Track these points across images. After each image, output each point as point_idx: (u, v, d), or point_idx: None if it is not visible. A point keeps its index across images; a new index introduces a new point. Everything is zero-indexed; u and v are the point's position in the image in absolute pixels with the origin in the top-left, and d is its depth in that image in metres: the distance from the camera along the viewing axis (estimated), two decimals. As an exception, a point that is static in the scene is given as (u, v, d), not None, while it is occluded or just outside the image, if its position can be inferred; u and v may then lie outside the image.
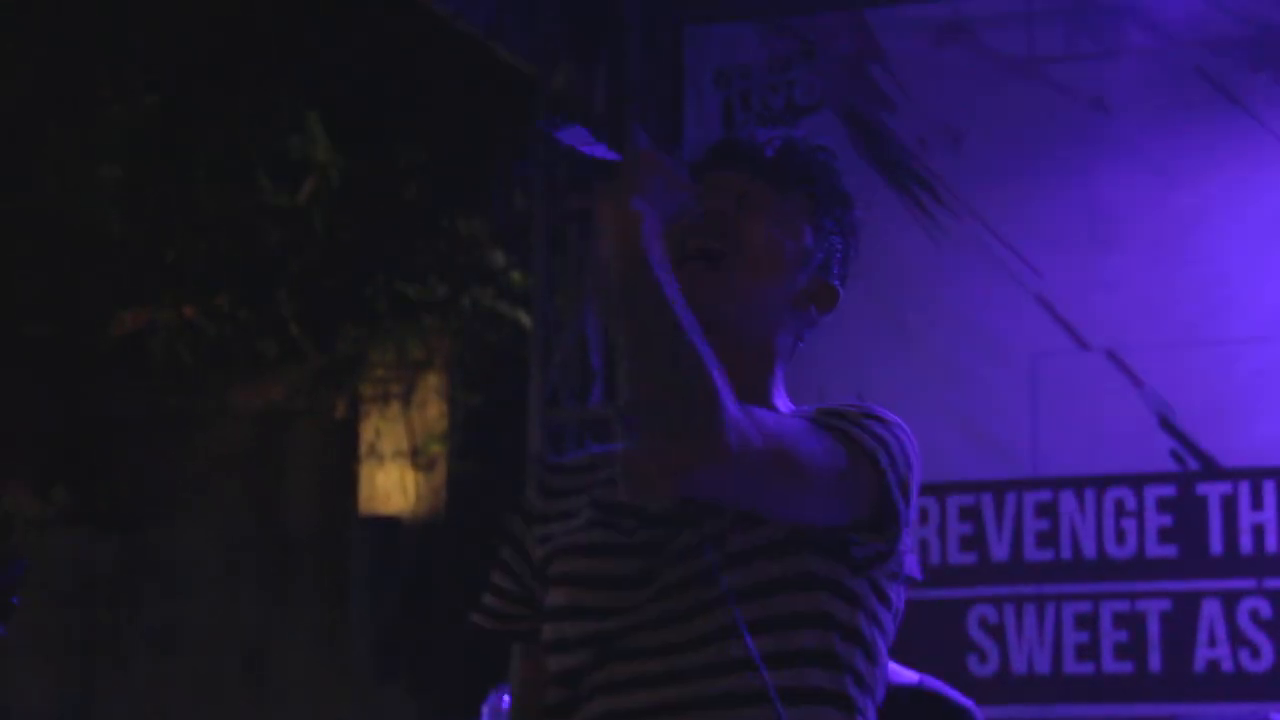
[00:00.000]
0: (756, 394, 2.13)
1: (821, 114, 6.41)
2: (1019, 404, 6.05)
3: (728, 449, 1.86)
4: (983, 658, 5.90)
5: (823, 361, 6.01)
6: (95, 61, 7.18)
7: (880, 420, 2.11)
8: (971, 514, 6.04)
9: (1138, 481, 5.90)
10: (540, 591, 2.21)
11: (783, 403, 2.21)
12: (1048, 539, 5.94)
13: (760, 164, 2.17)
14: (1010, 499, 6.00)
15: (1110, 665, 5.83)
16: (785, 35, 6.50)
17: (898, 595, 2.16)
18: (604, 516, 2.15)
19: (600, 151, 2.00)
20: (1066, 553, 5.95)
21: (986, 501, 6.04)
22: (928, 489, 5.73)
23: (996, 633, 5.93)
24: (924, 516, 6.01)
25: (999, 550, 6.01)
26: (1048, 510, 5.96)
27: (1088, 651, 5.84)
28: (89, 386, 9.04)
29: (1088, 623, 5.87)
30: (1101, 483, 5.94)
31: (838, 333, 6.07)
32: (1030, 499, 5.96)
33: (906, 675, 3.78)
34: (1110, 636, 5.84)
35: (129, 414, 9.38)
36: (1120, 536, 5.88)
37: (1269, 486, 5.89)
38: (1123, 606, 5.83)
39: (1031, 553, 5.97)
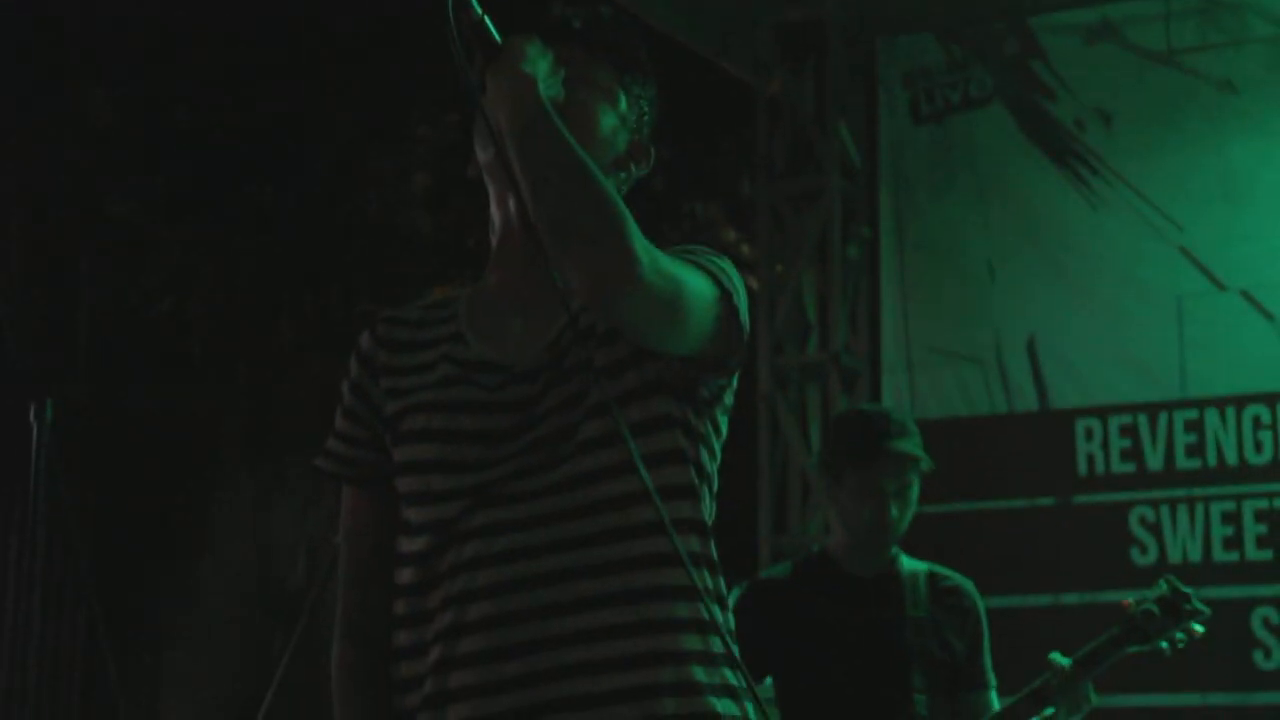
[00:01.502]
0: None
1: (993, 106, 6.35)
2: (1168, 338, 5.96)
3: (640, 264, 1.77)
4: (1143, 550, 5.84)
5: (998, 310, 6.19)
6: (406, 91, 7.47)
7: (721, 258, 1.99)
8: (1130, 431, 5.95)
9: (1271, 399, 5.79)
10: (386, 439, 2.04)
11: None
12: (1195, 450, 5.84)
13: (573, 35, 2.02)
14: (1163, 417, 5.91)
15: (1252, 553, 5.74)
16: (960, 41, 6.44)
17: (725, 425, 2.05)
18: (463, 373, 1.99)
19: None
20: (1212, 460, 5.84)
21: (1142, 420, 5.95)
22: (1093, 411, 6.00)
23: (1154, 529, 5.87)
24: (1089, 434, 6.00)
25: (1154, 460, 5.92)
26: (1195, 426, 5.86)
27: (1232, 542, 5.75)
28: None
29: (1232, 519, 5.77)
30: (1240, 401, 5.83)
31: (1011, 285, 6.38)
32: (1180, 417, 5.87)
33: (918, 564, 3.65)
34: (1251, 530, 5.75)
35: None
36: (1258, 446, 5.78)
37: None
38: (1262, 504, 5.74)
39: (1182, 461, 5.87)
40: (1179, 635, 3.37)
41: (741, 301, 1.95)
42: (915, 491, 3.52)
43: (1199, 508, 5.82)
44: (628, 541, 1.89)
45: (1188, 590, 3.40)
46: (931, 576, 3.60)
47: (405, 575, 1.97)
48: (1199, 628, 3.37)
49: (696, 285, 1.87)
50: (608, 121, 2.02)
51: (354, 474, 2.08)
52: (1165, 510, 5.87)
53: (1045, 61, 6.33)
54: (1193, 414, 5.90)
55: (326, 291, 7.74)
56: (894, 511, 3.45)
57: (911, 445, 3.48)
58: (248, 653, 7.97)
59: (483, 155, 2.01)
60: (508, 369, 1.96)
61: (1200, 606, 3.39)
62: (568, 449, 1.90)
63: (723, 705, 1.89)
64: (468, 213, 7.19)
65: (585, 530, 1.89)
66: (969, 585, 3.64)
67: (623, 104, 2.04)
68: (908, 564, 3.60)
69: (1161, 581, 3.43)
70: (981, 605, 3.64)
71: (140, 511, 8.58)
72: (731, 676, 1.92)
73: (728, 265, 1.97)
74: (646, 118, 2.07)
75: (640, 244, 1.78)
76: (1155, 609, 3.36)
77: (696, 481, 1.96)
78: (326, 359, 7.93)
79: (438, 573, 1.93)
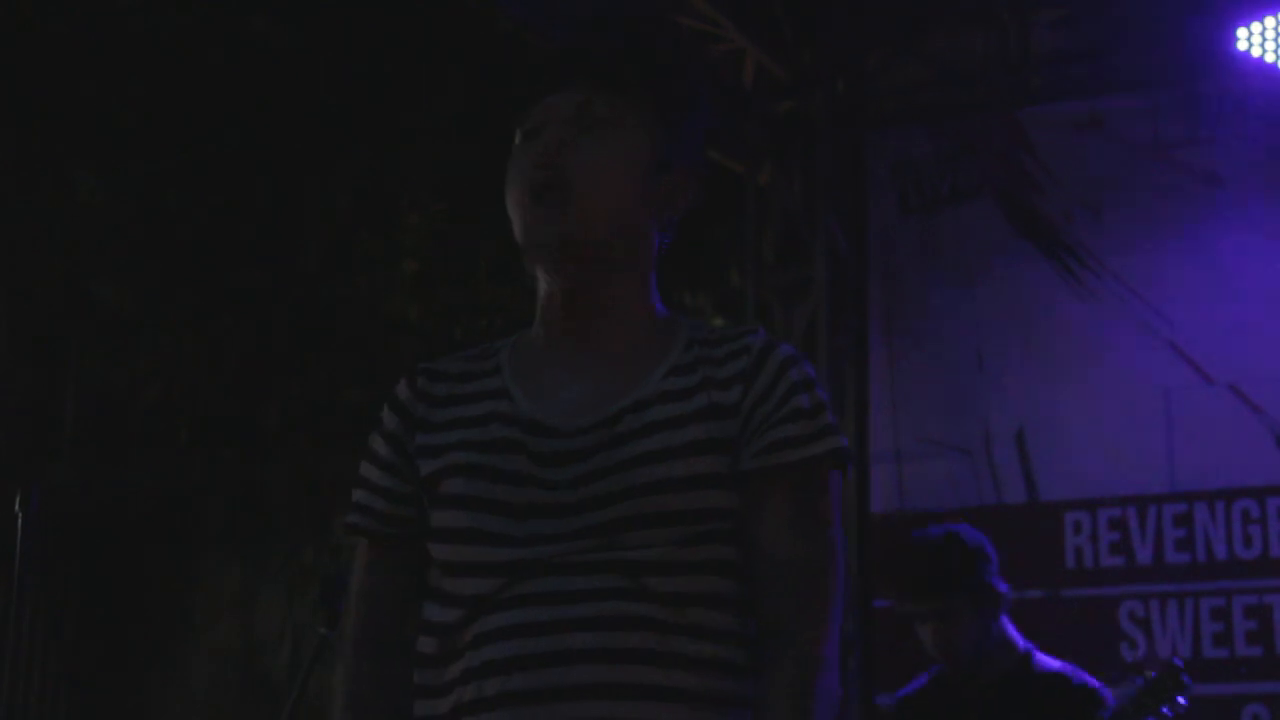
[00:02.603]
0: (632, 313, 1.88)
1: (981, 197, 6.37)
2: (1157, 431, 5.93)
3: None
4: (1132, 645, 5.80)
5: (985, 401, 6.19)
6: (396, 178, 7.50)
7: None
8: (1119, 524, 5.95)
9: (1261, 494, 5.76)
10: (424, 499, 1.90)
11: (659, 307, 1.93)
12: (1184, 544, 5.83)
13: (601, 73, 1.85)
14: (1152, 510, 5.90)
15: (1242, 650, 5.69)
16: (949, 134, 6.49)
17: None
18: (512, 435, 1.85)
19: None
20: (1202, 556, 5.81)
21: (1131, 513, 5.94)
22: (1082, 504, 5.99)
23: (1144, 625, 5.81)
24: (1077, 527, 6.00)
25: (1143, 554, 5.90)
26: (1184, 520, 5.85)
27: (1222, 639, 5.71)
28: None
29: (1221, 615, 5.74)
30: (1229, 495, 5.81)
31: (1000, 376, 6.36)
32: (1169, 510, 5.86)
33: (1051, 663, 3.97)
34: (1241, 626, 5.70)
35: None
36: (1248, 541, 5.75)
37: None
38: (1252, 600, 5.70)
39: (1171, 555, 5.85)
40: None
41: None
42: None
43: (1188, 603, 5.78)
44: (675, 637, 1.76)
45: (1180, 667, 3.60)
46: (1060, 677, 3.81)
47: (428, 645, 1.84)
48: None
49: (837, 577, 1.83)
50: (624, 169, 1.83)
51: (388, 531, 1.92)
52: (1155, 605, 5.84)
53: (1033, 154, 6.36)
54: (1182, 508, 5.88)
55: (313, 376, 7.75)
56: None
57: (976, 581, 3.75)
58: None
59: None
60: (558, 433, 1.82)
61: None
62: (614, 529, 1.77)
63: None
64: (455, 301, 7.23)
65: (626, 612, 1.75)
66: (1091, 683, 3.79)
67: (659, 138, 1.86)
68: (1040, 663, 3.78)
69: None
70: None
71: (124, 597, 8.56)
72: None
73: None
74: (695, 142, 1.91)
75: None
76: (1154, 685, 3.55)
77: (737, 558, 1.83)
78: (312, 444, 7.92)
79: (460, 644, 1.81)
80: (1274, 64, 5.82)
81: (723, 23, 6.15)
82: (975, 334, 6.30)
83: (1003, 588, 3.91)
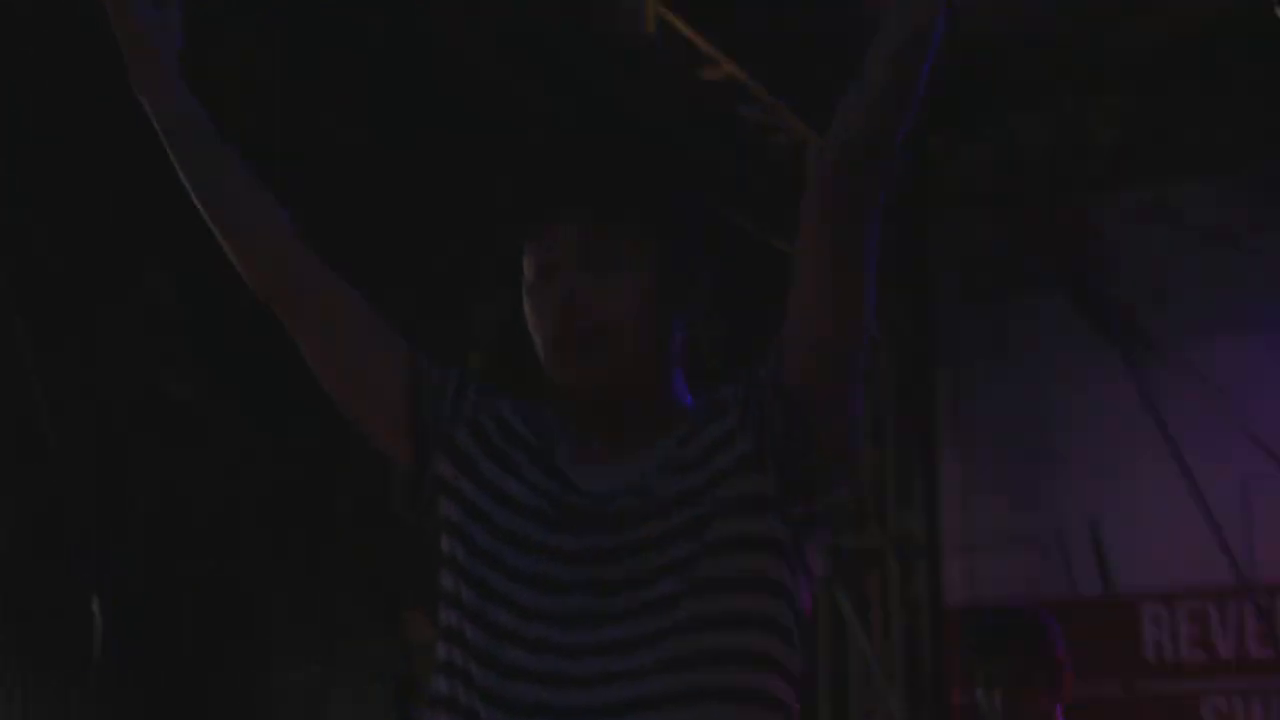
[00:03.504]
0: (668, 405, 1.88)
1: (1046, 285, 6.34)
2: (1235, 521, 5.85)
3: (877, 205, 1.79)
4: None
5: (1060, 491, 6.24)
6: (465, 268, 7.53)
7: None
8: (1199, 616, 6.00)
9: None
10: (437, 449, 1.90)
11: (686, 401, 1.91)
12: (1267, 637, 5.82)
13: (600, 210, 1.87)
14: (1232, 603, 5.94)
15: None
16: (1013, 219, 6.46)
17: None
18: (554, 485, 1.84)
19: None
20: None
21: (1211, 607, 5.99)
22: (1160, 596, 5.99)
23: None
24: (1157, 619, 6.08)
25: (1225, 648, 5.98)
26: (1266, 613, 5.82)
27: None
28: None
29: None
30: None
31: (1073, 466, 6.37)
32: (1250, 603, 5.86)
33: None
34: None
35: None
36: None
37: None
38: None
39: (1255, 650, 5.91)
40: None
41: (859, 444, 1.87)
42: None
43: (1274, 699, 5.83)
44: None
45: None
46: None
47: (441, 653, 1.82)
48: None
49: (870, 316, 1.81)
50: (654, 316, 1.85)
51: (414, 370, 1.91)
52: (1239, 702, 5.87)
53: (1099, 239, 6.40)
54: (1265, 601, 5.87)
55: (380, 468, 7.77)
56: None
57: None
58: None
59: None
60: (587, 495, 1.80)
61: None
62: (639, 599, 1.72)
63: None
64: (518, 391, 7.27)
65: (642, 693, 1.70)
66: None
67: (669, 266, 1.86)
68: None
69: None
70: None
71: (192, 695, 8.55)
72: None
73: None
74: (696, 256, 1.90)
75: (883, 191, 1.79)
76: None
77: (776, 651, 1.76)
78: (386, 536, 7.94)
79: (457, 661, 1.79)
80: None
81: (782, 111, 6.24)
82: (1045, 423, 6.34)
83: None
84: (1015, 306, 6.49)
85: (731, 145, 6.10)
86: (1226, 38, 6.00)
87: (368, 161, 7.69)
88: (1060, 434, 6.32)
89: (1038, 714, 3.73)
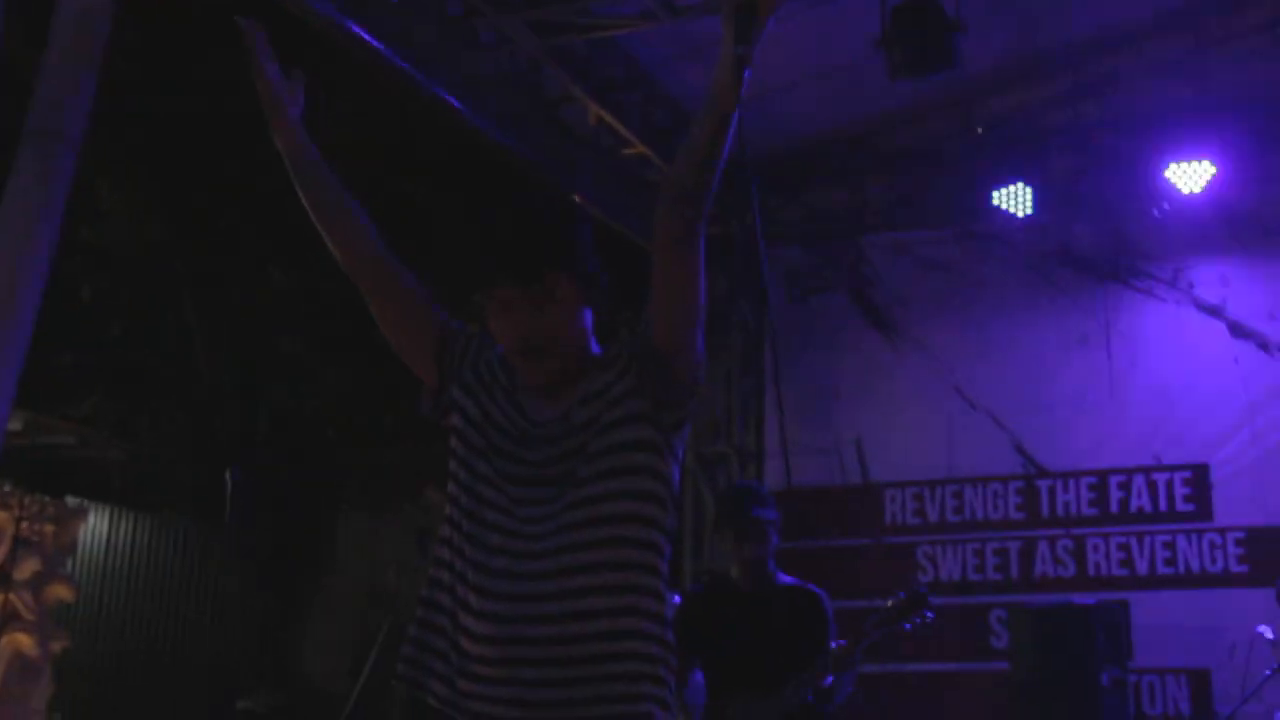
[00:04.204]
0: (585, 360, 1.81)
1: (837, 291, 6.58)
2: (940, 439, 6.02)
3: (699, 223, 1.68)
4: (924, 572, 5.89)
5: (838, 420, 6.24)
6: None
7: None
8: (917, 496, 6.03)
9: (1005, 480, 5.89)
10: (452, 380, 1.84)
11: (595, 350, 1.84)
12: (956, 509, 5.97)
13: (522, 275, 1.74)
14: (938, 489, 5.99)
15: (991, 575, 5.78)
16: (818, 251, 6.66)
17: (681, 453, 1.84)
18: (516, 413, 1.79)
19: None
20: (967, 514, 5.93)
21: (925, 491, 6.03)
22: (895, 484, 5.99)
23: (932, 560, 5.91)
24: (893, 498, 6.01)
25: (933, 513, 5.96)
26: (957, 494, 5.98)
27: (979, 568, 5.81)
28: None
29: (978, 554, 5.82)
30: (985, 480, 5.92)
31: (847, 410, 6.49)
32: (946, 490, 6.02)
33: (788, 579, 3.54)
34: (991, 562, 5.81)
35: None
36: (996, 507, 5.85)
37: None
38: (996, 544, 5.80)
39: (950, 516, 5.96)
40: (917, 620, 3.45)
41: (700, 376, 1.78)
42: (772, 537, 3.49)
43: (960, 546, 6.01)
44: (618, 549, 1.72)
45: (925, 592, 3.48)
46: (793, 589, 3.51)
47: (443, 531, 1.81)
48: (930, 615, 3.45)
49: (701, 295, 1.71)
50: (580, 319, 1.80)
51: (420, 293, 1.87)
52: (939, 549, 6.07)
53: (870, 265, 6.58)
54: (956, 487, 6.10)
55: (415, 386, 7.89)
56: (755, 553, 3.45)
57: (765, 512, 3.46)
58: (359, 626, 8.11)
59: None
60: (534, 421, 1.79)
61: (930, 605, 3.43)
62: (569, 484, 1.72)
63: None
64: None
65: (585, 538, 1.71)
66: (820, 593, 3.52)
67: (579, 285, 1.78)
68: (782, 580, 3.52)
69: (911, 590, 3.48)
70: (829, 609, 3.51)
71: (294, 538, 8.79)
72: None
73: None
74: (595, 267, 1.81)
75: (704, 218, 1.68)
76: (904, 602, 3.45)
77: (663, 491, 1.75)
78: (416, 438, 8.01)
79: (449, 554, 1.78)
80: (1013, 214, 6.06)
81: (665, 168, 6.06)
82: (831, 378, 6.50)
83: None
84: (816, 305, 6.62)
85: (619, 179, 5.95)
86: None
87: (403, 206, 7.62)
88: (840, 383, 6.45)
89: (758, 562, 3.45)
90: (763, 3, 1.54)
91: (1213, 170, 5.71)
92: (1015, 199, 6.07)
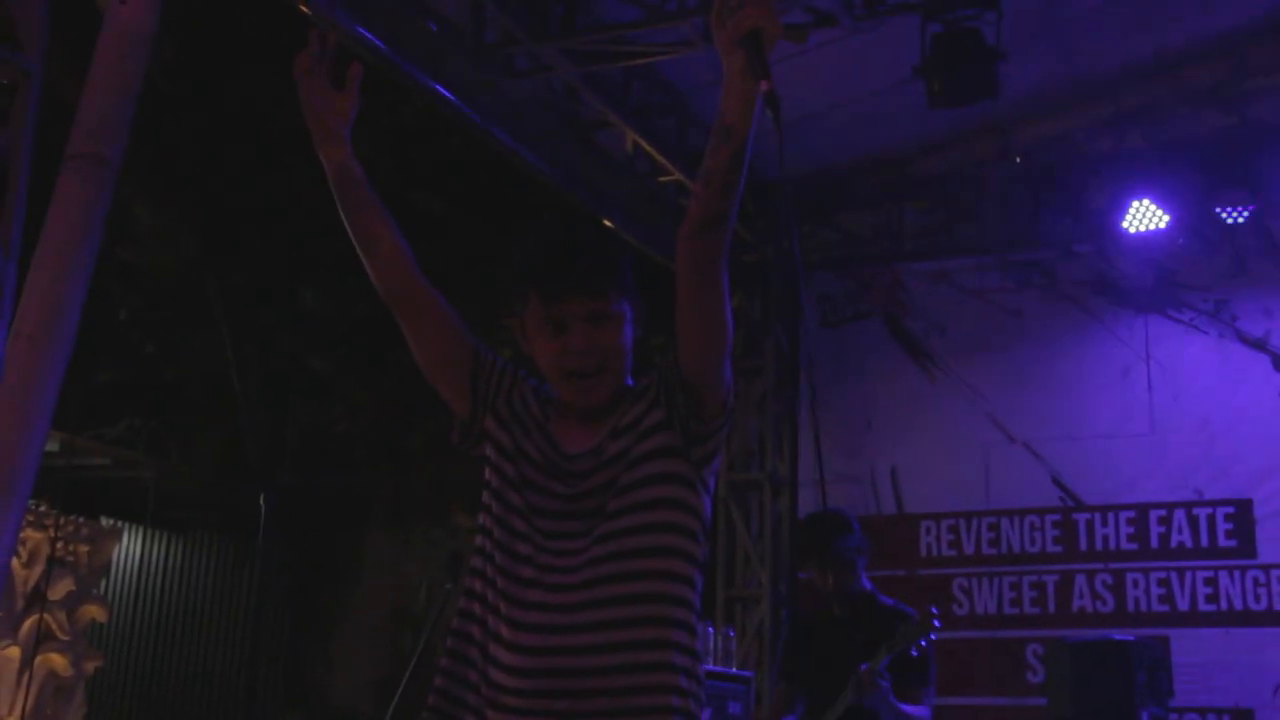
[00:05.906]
0: (620, 392, 1.81)
1: (871, 319, 6.55)
2: (977, 470, 5.97)
3: (723, 251, 1.65)
4: (959, 605, 5.81)
5: (873, 454, 6.19)
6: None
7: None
8: (954, 527, 5.97)
9: (1041, 512, 5.81)
10: (485, 410, 1.82)
11: (629, 382, 1.82)
12: (993, 541, 5.89)
13: (592, 289, 1.75)
14: (975, 521, 5.93)
15: (1028, 610, 5.70)
16: (853, 277, 6.65)
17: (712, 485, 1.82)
18: (548, 446, 1.78)
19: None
20: (1004, 548, 5.87)
21: (962, 522, 5.95)
22: (931, 516, 6.08)
23: (968, 591, 5.84)
24: (928, 529, 6.01)
25: (968, 546, 5.89)
26: (994, 527, 5.90)
27: (1015, 602, 5.74)
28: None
29: (1015, 587, 5.75)
30: (1023, 513, 5.84)
31: (883, 439, 6.45)
32: (983, 522, 5.95)
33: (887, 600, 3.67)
34: (1027, 596, 5.73)
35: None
36: (1033, 541, 5.76)
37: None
38: (1033, 578, 5.74)
39: (985, 549, 5.89)
40: (922, 643, 3.40)
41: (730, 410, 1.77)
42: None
43: (996, 579, 5.95)
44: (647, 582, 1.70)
45: (932, 614, 3.42)
46: (891, 611, 3.54)
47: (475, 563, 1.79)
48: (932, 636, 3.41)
49: (728, 323, 1.69)
50: (627, 336, 1.79)
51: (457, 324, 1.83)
52: (975, 581, 6.01)
53: (906, 291, 6.55)
54: (993, 519, 6.04)
55: (444, 416, 7.99)
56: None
57: (846, 540, 3.54)
58: (387, 646, 8.14)
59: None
60: (566, 455, 1.78)
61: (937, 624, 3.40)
62: (600, 518, 1.72)
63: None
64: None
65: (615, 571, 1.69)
66: (914, 615, 3.50)
67: (633, 310, 1.81)
68: (883, 602, 3.58)
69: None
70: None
71: (322, 560, 8.81)
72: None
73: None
74: (640, 309, 1.83)
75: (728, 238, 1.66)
76: (913, 624, 3.41)
77: (694, 524, 1.74)
78: (443, 460, 8.05)
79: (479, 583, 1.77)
80: (1051, 242, 6.06)
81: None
82: (866, 406, 6.46)
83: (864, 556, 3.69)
84: (850, 331, 6.60)
85: (655, 205, 5.97)
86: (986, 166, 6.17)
87: (436, 228, 7.68)
88: (874, 412, 6.41)
89: (850, 584, 3.62)
90: (768, 32, 1.47)
91: (1253, 201, 5.67)
92: (1055, 227, 6.07)
